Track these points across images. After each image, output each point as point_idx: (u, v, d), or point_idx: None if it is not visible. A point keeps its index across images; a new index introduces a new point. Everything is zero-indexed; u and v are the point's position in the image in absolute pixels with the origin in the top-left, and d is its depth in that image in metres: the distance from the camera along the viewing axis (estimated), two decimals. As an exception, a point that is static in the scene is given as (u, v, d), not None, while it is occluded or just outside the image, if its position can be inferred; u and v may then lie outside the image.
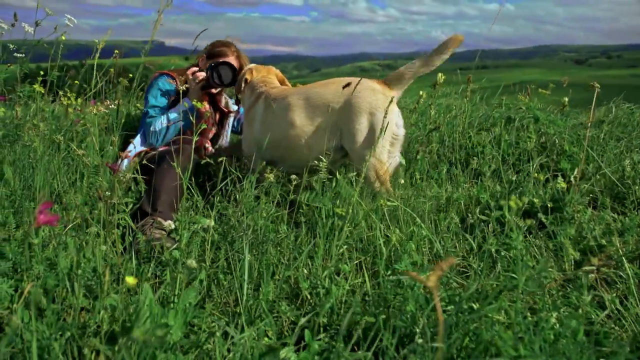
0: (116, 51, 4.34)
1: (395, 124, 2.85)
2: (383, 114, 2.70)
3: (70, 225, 2.42)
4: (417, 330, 1.63)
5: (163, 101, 3.55)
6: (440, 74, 3.92)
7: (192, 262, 1.52)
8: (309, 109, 2.97)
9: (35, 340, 1.49)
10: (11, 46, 3.43)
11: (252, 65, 3.61)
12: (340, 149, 2.95)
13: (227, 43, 3.85)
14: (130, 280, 1.40)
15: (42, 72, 3.87)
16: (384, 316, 1.73)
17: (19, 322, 1.54)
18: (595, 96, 2.91)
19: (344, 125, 2.88)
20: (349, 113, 2.85)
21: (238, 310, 1.85)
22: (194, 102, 2.53)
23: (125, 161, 3.20)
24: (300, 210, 2.71)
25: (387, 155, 2.83)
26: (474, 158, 3.40)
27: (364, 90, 2.85)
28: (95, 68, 3.56)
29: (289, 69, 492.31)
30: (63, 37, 3.44)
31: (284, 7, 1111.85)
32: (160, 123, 3.39)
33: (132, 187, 2.93)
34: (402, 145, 2.94)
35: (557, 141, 3.61)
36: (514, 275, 1.94)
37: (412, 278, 1.08)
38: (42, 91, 3.41)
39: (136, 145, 3.39)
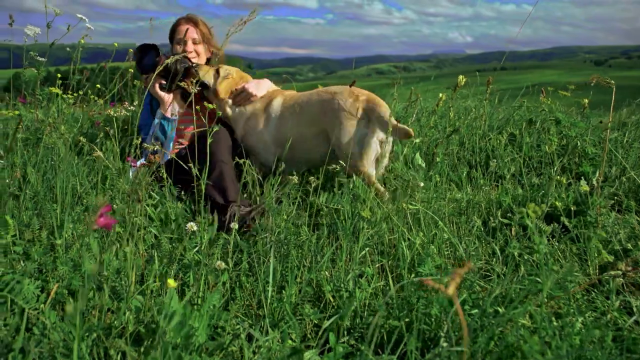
0: (130, 50, 4.38)
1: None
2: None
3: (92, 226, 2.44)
4: (442, 334, 1.63)
5: (146, 102, 3.45)
6: (461, 76, 3.90)
7: (221, 264, 1.53)
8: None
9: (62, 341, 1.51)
10: (32, 53, 3.46)
11: (224, 68, 3.50)
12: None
13: (183, 16, 3.60)
14: (172, 282, 1.41)
15: (59, 75, 3.90)
16: (407, 319, 1.72)
17: (48, 323, 1.55)
18: (613, 94, 2.89)
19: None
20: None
21: (261, 313, 1.86)
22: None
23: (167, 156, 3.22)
24: (320, 212, 2.71)
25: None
26: (494, 160, 3.38)
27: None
28: (102, 71, 3.60)
29: (305, 72, 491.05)
30: (82, 41, 3.47)
31: (299, 9, 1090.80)
32: (151, 134, 3.30)
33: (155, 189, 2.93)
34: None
35: (579, 143, 3.58)
36: (537, 279, 1.93)
37: (431, 287, 1.07)
38: (60, 93, 3.44)
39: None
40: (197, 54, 3.51)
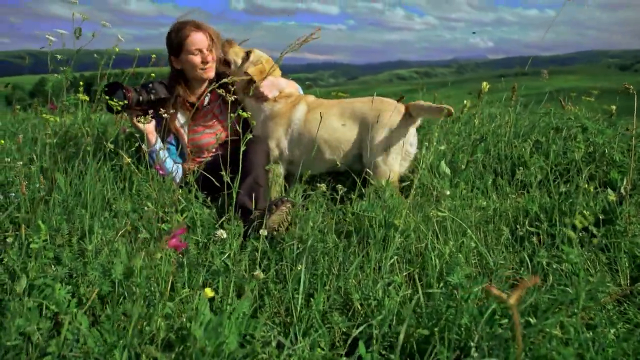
0: (153, 56, 4.41)
1: (410, 143, 3.28)
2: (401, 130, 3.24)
3: (120, 232, 2.47)
4: (472, 344, 1.61)
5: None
6: (485, 83, 3.88)
7: (259, 274, 1.54)
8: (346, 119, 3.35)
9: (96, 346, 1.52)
10: (59, 57, 3.50)
11: (254, 56, 3.47)
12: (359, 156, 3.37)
13: (183, 23, 3.35)
14: (209, 292, 1.43)
15: (81, 83, 3.94)
16: (437, 329, 1.71)
17: (81, 328, 1.57)
18: (635, 101, 2.86)
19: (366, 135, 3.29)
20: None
21: (290, 320, 1.86)
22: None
23: (180, 171, 3.24)
24: (346, 219, 2.71)
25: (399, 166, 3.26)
26: (520, 168, 3.35)
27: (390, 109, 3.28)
28: (126, 77, 3.62)
29: (326, 77, 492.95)
30: (117, 49, 3.52)
31: (320, 15, 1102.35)
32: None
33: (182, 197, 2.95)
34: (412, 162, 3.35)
35: (606, 151, 3.53)
36: (567, 288, 1.91)
37: (495, 295, 1.05)
38: (86, 99, 3.47)
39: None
40: (213, 61, 3.42)
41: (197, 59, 3.31)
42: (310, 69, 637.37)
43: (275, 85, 3.45)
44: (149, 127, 3.14)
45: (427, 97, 5.64)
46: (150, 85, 3.19)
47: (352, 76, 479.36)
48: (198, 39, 3.29)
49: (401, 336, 1.27)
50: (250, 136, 2.45)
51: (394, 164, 3.22)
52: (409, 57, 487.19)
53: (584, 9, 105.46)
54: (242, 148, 2.38)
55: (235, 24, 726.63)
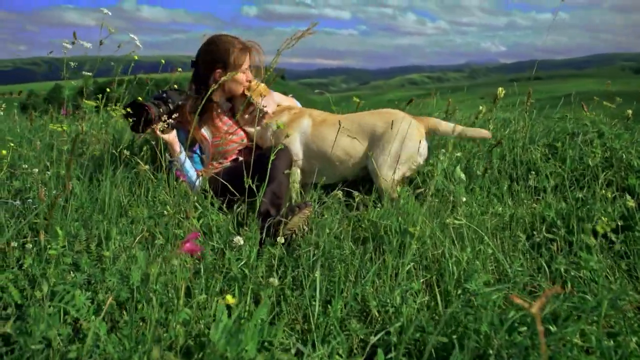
0: (162, 61, 4.44)
1: (420, 154, 3.31)
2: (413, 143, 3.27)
3: (137, 238, 2.48)
4: (491, 351, 1.60)
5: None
6: (500, 89, 3.87)
7: (274, 281, 1.54)
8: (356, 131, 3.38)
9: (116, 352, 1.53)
10: (72, 64, 3.53)
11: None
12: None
13: (242, 47, 3.35)
14: (230, 299, 1.43)
15: (109, 90, 3.97)
16: (455, 336, 1.71)
17: (100, 334, 1.58)
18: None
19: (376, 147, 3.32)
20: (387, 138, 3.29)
21: (307, 327, 1.86)
22: None
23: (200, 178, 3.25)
24: (362, 226, 2.71)
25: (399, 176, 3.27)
26: (533, 173, 3.33)
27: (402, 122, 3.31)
28: (139, 83, 3.66)
29: (338, 83, 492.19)
30: (136, 57, 3.55)
31: (332, 21, 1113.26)
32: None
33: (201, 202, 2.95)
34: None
35: (624, 156, 3.50)
36: (586, 296, 1.89)
37: (516, 303, 1.05)
38: (101, 104, 3.51)
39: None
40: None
41: (243, 77, 3.37)
42: (322, 75, 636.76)
43: (272, 100, 3.51)
44: (172, 137, 3.17)
45: (440, 102, 5.64)
46: (165, 95, 3.20)
47: (364, 81, 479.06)
48: (248, 59, 3.37)
49: (429, 347, 1.26)
50: (282, 146, 2.47)
51: (396, 175, 3.22)
52: (421, 62, 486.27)
53: (597, 12, 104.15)
54: (272, 157, 2.40)
55: (247, 29, 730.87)
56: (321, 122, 3.44)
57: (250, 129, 3.42)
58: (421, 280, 2.13)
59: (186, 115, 3.21)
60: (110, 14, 3.28)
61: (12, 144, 3.08)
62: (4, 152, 3.07)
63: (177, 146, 3.19)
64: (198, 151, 3.33)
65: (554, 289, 0.93)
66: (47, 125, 4.32)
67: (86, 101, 3.45)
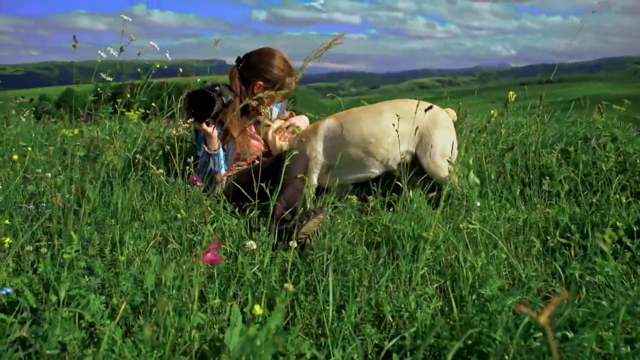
0: (180, 70, 4.45)
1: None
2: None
3: (152, 243, 2.49)
4: (507, 357, 1.59)
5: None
6: (511, 92, 3.85)
7: (289, 286, 1.54)
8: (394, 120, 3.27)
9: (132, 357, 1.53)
10: (105, 75, 3.53)
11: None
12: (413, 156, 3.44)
13: (290, 73, 3.42)
14: (258, 309, 1.44)
15: (131, 94, 3.98)
16: (470, 341, 1.70)
17: (116, 338, 1.59)
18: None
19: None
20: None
21: (321, 332, 1.85)
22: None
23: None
24: (375, 231, 2.71)
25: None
26: (546, 178, 3.31)
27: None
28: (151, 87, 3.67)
29: (347, 86, 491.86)
30: (162, 65, 3.56)
31: (342, 25, 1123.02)
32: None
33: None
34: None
35: (638, 160, 3.48)
36: (601, 301, 1.88)
37: (526, 313, 1.05)
38: (118, 109, 3.52)
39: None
40: None
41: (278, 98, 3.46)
42: (332, 78, 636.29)
43: (305, 119, 3.60)
44: (214, 131, 3.20)
45: (451, 105, 5.62)
46: (217, 87, 3.20)
47: (374, 85, 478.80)
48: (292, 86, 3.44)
49: (449, 356, 1.25)
50: (296, 152, 2.49)
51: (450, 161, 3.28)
52: (431, 66, 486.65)
53: (608, 16, 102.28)
54: (287, 162, 2.40)
55: (257, 34, 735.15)
56: (347, 113, 3.48)
57: (283, 143, 3.44)
58: (435, 285, 2.12)
59: (229, 114, 3.24)
60: (130, 20, 3.29)
61: (29, 148, 3.10)
62: (15, 157, 3.08)
63: (216, 142, 3.21)
64: (220, 151, 3.32)
65: (561, 295, 0.93)
66: (60, 131, 4.35)
67: (104, 107, 3.47)
